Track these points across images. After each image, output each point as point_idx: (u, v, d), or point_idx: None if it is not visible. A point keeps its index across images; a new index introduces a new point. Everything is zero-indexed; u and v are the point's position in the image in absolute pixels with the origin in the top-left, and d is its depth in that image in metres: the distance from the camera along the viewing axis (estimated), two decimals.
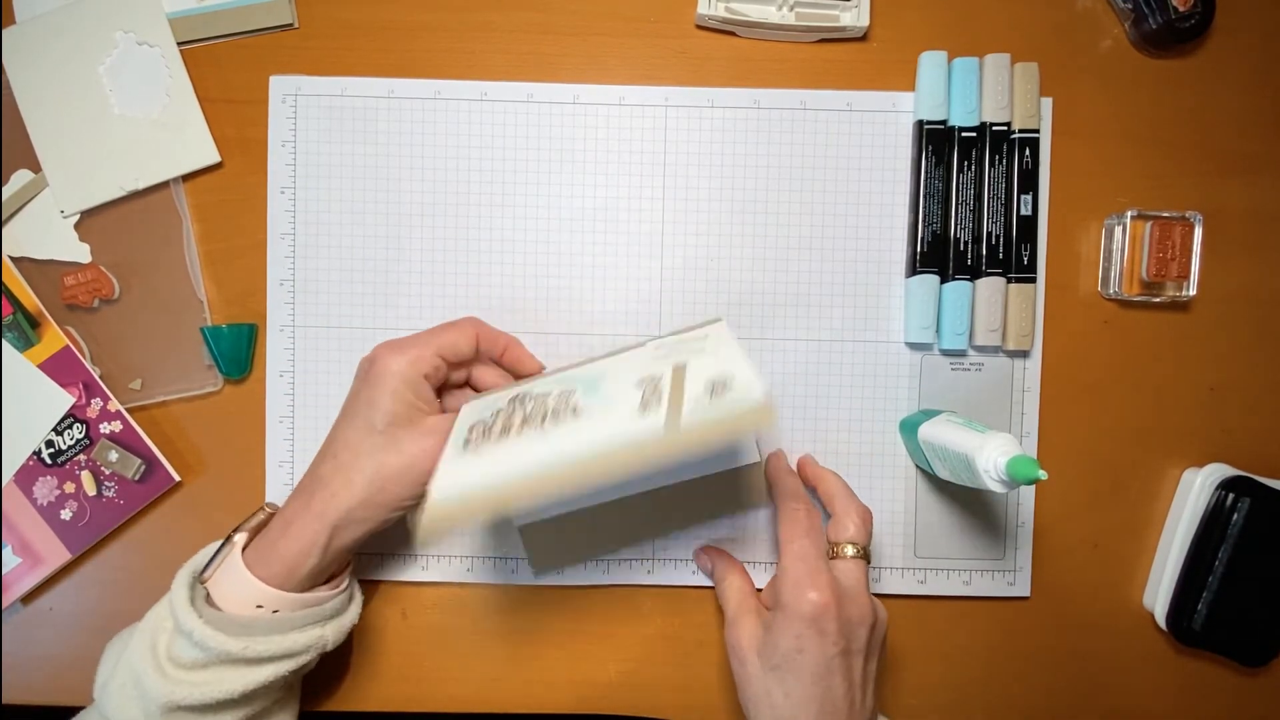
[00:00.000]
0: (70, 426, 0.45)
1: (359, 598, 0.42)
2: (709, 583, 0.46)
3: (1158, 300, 0.46)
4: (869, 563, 0.40)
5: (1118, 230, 0.45)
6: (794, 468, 0.44)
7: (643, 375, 0.35)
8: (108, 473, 0.45)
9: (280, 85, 0.46)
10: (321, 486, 0.37)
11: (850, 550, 0.39)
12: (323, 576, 0.39)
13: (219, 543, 0.39)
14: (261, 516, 0.39)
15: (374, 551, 0.46)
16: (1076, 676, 0.47)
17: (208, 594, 0.37)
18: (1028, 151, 0.45)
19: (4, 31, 0.45)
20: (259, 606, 0.36)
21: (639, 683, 0.46)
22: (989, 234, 0.45)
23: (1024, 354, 0.46)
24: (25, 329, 0.45)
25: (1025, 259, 0.45)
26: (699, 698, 0.47)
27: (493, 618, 0.47)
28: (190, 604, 0.36)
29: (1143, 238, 0.45)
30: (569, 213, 0.46)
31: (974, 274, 0.45)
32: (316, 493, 0.37)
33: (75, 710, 0.39)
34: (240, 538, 0.38)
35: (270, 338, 0.46)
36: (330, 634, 0.38)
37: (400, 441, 0.37)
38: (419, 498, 0.37)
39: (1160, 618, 0.45)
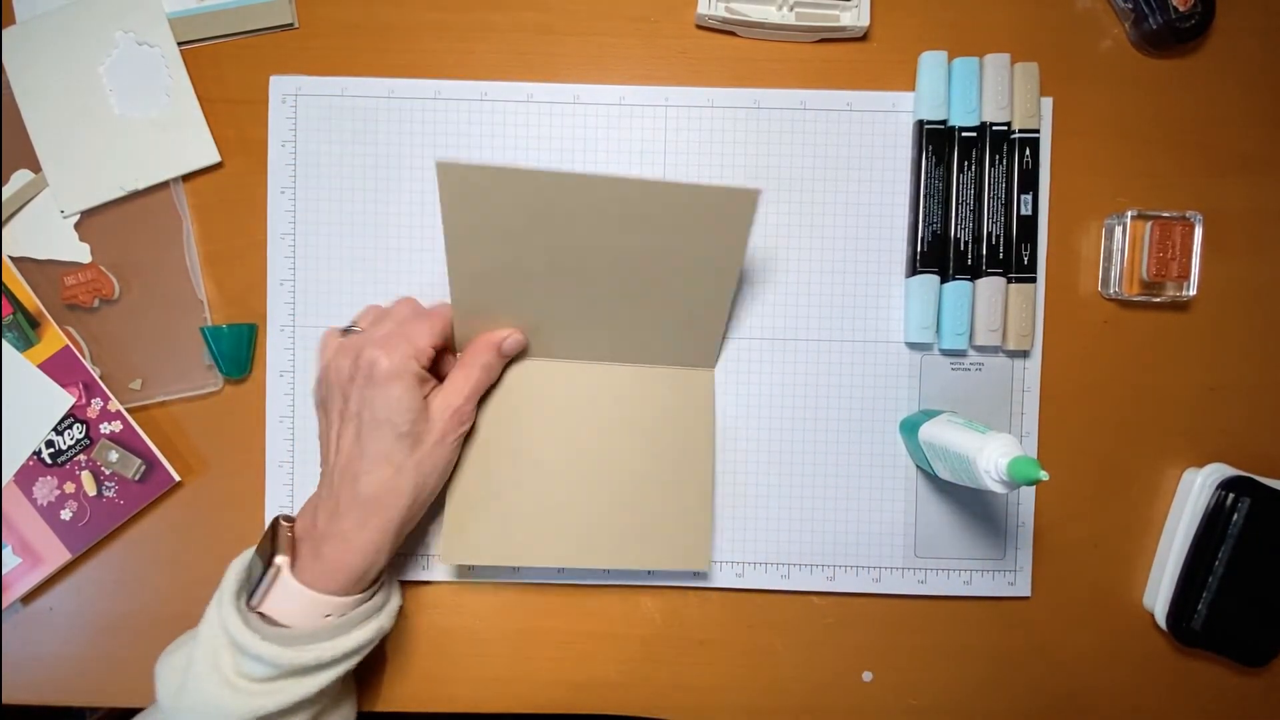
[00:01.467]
0: (70, 426, 0.45)
1: (397, 580, 0.45)
2: (709, 584, 0.46)
3: (1158, 300, 0.46)
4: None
5: (1118, 230, 0.45)
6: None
7: None
8: (108, 473, 0.45)
9: (280, 85, 0.46)
10: (375, 503, 0.38)
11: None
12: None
13: (245, 563, 0.39)
14: (288, 534, 0.39)
15: None
16: (1076, 676, 0.47)
17: (260, 613, 0.38)
18: (1028, 151, 0.45)
19: (4, 31, 0.45)
20: (327, 616, 0.38)
21: (639, 682, 0.46)
22: (989, 234, 0.45)
23: (1024, 354, 0.46)
24: (25, 329, 0.45)
25: (1025, 259, 0.45)
26: (699, 698, 0.47)
27: (493, 618, 0.47)
28: (246, 626, 0.37)
29: (1143, 238, 0.45)
30: None
31: (974, 274, 0.45)
32: (373, 511, 0.38)
33: (75, 710, 0.39)
34: (283, 560, 0.39)
35: (270, 338, 0.46)
36: (386, 621, 0.41)
37: (424, 437, 0.39)
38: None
39: (1160, 618, 0.45)
